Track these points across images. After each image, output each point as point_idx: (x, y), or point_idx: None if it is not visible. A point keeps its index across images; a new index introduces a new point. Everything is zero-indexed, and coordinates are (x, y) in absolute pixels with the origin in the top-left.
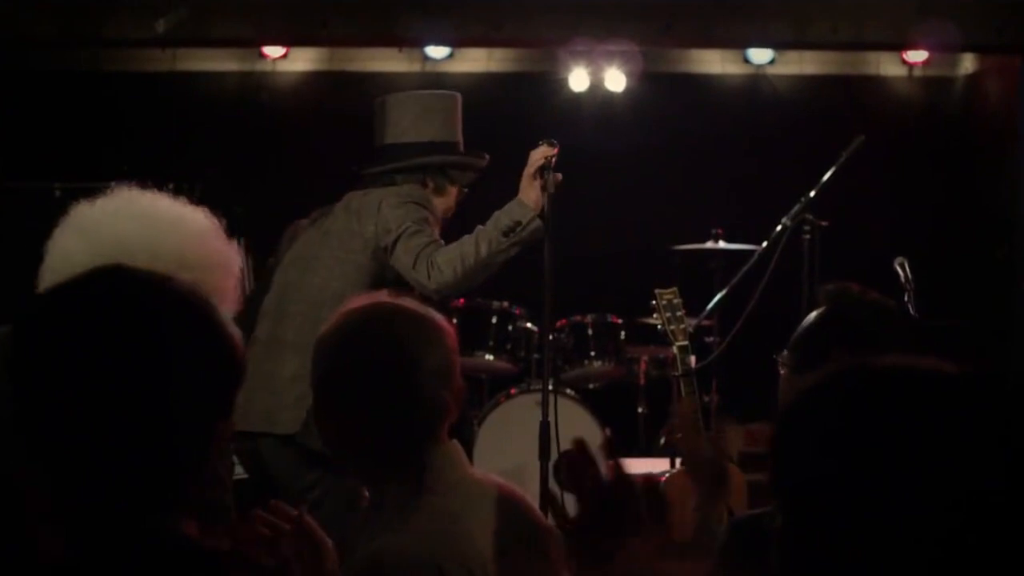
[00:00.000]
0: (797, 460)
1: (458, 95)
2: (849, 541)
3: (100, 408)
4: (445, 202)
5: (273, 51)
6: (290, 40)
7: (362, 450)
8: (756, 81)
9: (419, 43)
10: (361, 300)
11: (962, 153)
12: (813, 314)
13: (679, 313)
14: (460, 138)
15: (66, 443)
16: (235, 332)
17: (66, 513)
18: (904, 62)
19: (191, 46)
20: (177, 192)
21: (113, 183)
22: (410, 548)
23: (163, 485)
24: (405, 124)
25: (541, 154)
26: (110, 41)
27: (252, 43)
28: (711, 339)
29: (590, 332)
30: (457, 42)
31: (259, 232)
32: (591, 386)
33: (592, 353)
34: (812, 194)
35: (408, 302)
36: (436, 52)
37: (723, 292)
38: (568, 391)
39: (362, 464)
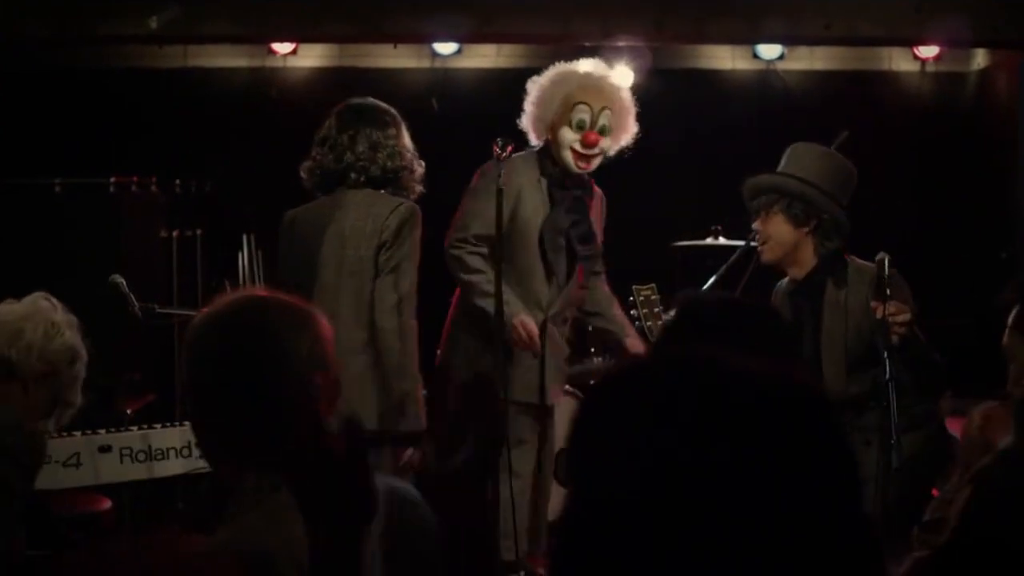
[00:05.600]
0: (585, 458)
1: None
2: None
3: None
4: None
5: (283, 47)
6: (281, 37)
7: (219, 442)
8: (766, 76)
9: (410, 40)
10: (231, 294)
11: (973, 149)
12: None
13: (656, 309)
14: None
15: None
16: None
17: None
18: (916, 57)
19: (182, 43)
20: (185, 189)
21: (112, 179)
22: (239, 544)
23: None
24: None
25: None
26: (103, 39)
27: (243, 40)
28: None
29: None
30: (447, 38)
31: (268, 228)
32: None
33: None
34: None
35: (277, 294)
36: (444, 48)
37: (705, 288)
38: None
39: (222, 457)
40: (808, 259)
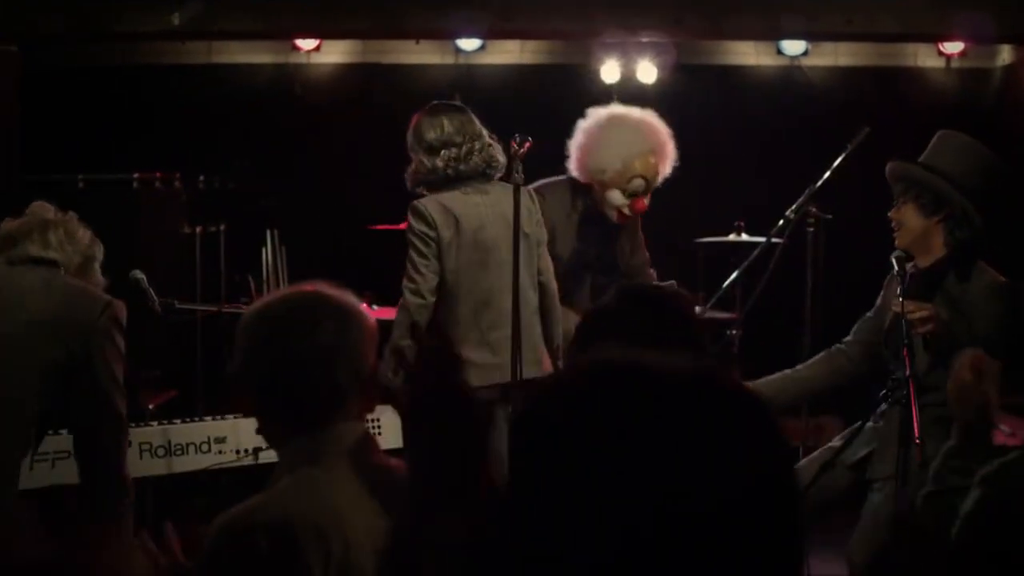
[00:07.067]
0: (524, 455)
1: None
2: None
3: None
4: None
5: (306, 43)
6: (299, 33)
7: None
8: (790, 73)
9: (430, 36)
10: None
11: (998, 146)
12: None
13: None
14: None
15: None
16: None
17: None
18: (941, 53)
19: (201, 39)
20: (209, 185)
21: (136, 175)
22: (266, 508)
23: None
24: None
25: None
26: (121, 35)
27: (260, 36)
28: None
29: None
30: (466, 34)
31: (290, 224)
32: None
33: None
34: (816, 186)
35: (328, 289)
36: (468, 44)
37: (724, 286)
38: None
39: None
40: (937, 249)
